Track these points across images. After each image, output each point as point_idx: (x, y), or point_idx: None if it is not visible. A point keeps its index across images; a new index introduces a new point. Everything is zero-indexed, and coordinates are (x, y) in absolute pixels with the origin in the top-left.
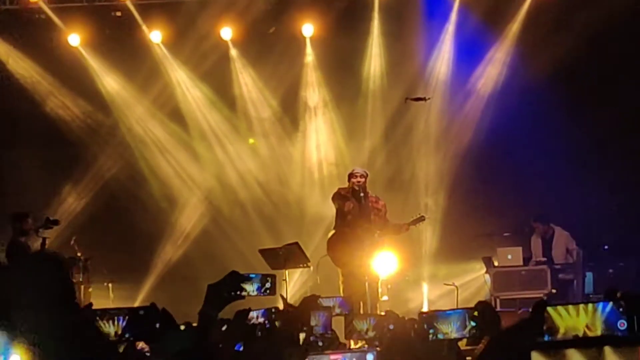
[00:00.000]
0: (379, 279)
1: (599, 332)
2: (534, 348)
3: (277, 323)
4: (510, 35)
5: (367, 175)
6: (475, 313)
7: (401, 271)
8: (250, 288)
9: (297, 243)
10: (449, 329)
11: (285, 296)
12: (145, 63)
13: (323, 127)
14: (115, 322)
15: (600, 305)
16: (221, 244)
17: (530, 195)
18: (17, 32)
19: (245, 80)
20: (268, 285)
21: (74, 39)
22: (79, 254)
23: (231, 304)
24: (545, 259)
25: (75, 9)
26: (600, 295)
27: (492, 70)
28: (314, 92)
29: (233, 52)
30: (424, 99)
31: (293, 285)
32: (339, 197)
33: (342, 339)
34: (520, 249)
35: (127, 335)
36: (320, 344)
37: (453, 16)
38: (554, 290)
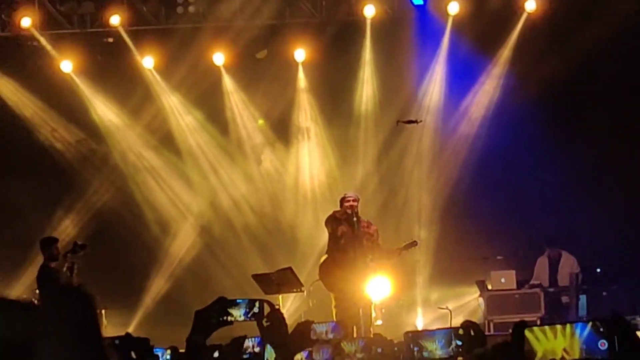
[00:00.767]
0: (372, 304)
1: (576, 356)
2: None
3: (264, 322)
4: (502, 58)
5: (359, 199)
6: (461, 332)
7: (395, 295)
8: (237, 313)
9: (290, 268)
10: (434, 347)
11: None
12: (137, 89)
13: (316, 152)
14: None
15: (579, 327)
16: (214, 270)
17: (524, 218)
18: (9, 59)
19: (238, 105)
20: (256, 310)
21: (66, 65)
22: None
23: (229, 330)
24: (539, 282)
25: (68, 35)
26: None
27: (485, 93)
28: (307, 117)
29: (225, 77)
30: (415, 122)
31: (287, 310)
32: (333, 220)
33: None
34: (513, 272)
35: None
36: None
37: (445, 40)
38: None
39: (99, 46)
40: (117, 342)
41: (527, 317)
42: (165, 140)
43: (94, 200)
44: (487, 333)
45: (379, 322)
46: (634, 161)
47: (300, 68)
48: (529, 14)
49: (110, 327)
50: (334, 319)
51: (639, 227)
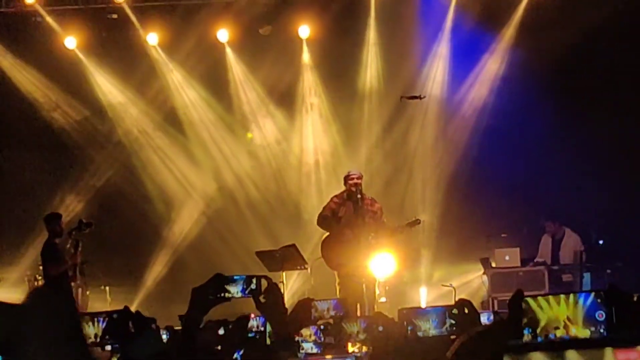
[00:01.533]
0: (376, 281)
1: (580, 324)
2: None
3: (261, 298)
4: (506, 36)
5: (362, 177)
6: (455, 311)
7: (399, 273)
8: (235, 290)
9: (294, 245)
10: (428, 326)
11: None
12: (141, 65)
13: (320, 128)
14: (96, 324)
15: (582, 296)
16: (218, 247)
17: (529, 196)
18: (13, 35)
19: (242, 81)
20: (253, 286)
21: (70, 41)
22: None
23: (233, 307)
24: (543, 260)
25: (72, 11)
26: None
27: (489, 70)
28: (311, 93)
29: (229, 54)
30: (419, 97)
31: (290, 287)
32: (332, 209)
33: None
34: (517, 249)
35: (106, 337)
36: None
37: (449, 16)
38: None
39: (103, 22)
40: (115, 316)
41: (532, 295)
42: (169, 116)
43: (97, 176)
44: (491, 310)
45: (383, 299)
46: (638, 137)
47: (305, 44)
48: None
49: (114, 304)
50: (338, 297)
51: None
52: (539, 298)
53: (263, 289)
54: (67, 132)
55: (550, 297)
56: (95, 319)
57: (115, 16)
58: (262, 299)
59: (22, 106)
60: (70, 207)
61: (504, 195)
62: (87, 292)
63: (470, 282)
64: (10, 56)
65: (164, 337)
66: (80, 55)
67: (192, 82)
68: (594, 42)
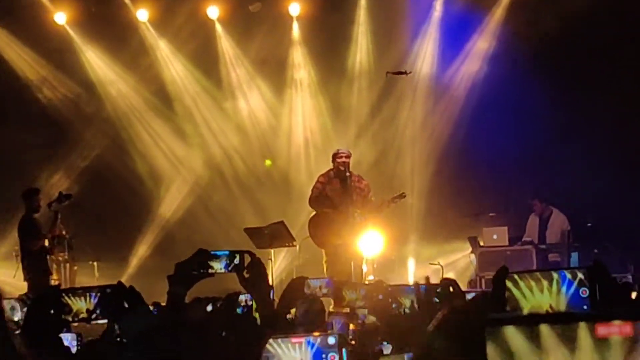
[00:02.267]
0: (364, 259)
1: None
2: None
3: (244, 274)
4: (497, 13)
5: (351, 155)
6: (439, 290)
7: (387, 251)
8: (218, 266)
9: (282, 222)
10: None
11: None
12: (131, 41)
13: (309, 106)
14: (88, 299)
15: (565, 284)
16: (207, 223)
17: (517, 175)
18: (3, 10)
19: (231, 58)
20: (236, 261)
21: (60, 17)
22: (63, 232)
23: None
24: (530, 239)
25: None
26: None
27: (479, 49)
28: (300, 71)
29: (219, 30)
30: (405, 73)
31: (279, 265)
32: (318, 189)
33: None
34: (505, 228)
35: (97, 312)
36: None
37: None
38: None
39: None
40: (108, 290)
41: None
42: (158, 93)
43: (86, 152)
44: (478, 289)
45: (371, 277)
46: (628, 116)
47: (295, 22)
48: None
49: (101, 279)
50: (325, 274)
51: (633, 184)
52: (520, 282)
53: (246, 264)
54: (56, 107)
55: (532, 283)
56: (88, 294)
57: None
58: (245, 275)
59: (11, 81)
60: (59, 183)
61: (493, 174)
62: (75, 267)
63: (458, 260)
64: (0, 31)
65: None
66: (70, 31)
67: (181, 58)
68: (584, 18)
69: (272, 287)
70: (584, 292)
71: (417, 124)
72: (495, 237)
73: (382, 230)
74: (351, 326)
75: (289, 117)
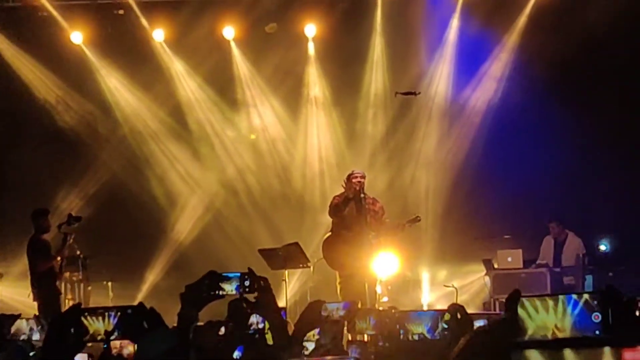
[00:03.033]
0: (377, 280)
1: (567, 332)
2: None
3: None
4: (512, 36)
5: (365, 176)
6: (447, 316)
7: (401, 272)
8: (229, 287)
9: (296, 243)
10: (420, 330)
11: (285, 296)
12: (147, 61)
13: (324, 127)
14: (106, 319)
15: (571, 303)
16: (221, 243)
17: (532, 197)
18: (20, 29)
19: (247, 79)
20: (247, 283)
21: (77, 36)
22: (78, 252)
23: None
24: (545, 261)
25: (78, 6)
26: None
27: (494, 71)
28: (316, 92)
29: (235, 51)
30: (414, 94)
31: (292, 286)
32: (336, 207)
33: None
34: (520, 251)
35: (116, 333)
36: None
37: (455, 17)
38: None
39: (109, 18)
40: (129, 311)
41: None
42: (173, 112)
43: (101, 172)
44: (492, 312)
45: (385, 299)
46: None
47: (311, 43)
48: None
49: (116, 300)
50: (339, 296)
51: None
52: (526, 303)
53: (256, 287)
54: (71, 127)
55: (538, 302)
56: (106, 314)
57: (121, 12)
58: (253, 297)
59: (27, 101)
60: (75, 203)
61: (508, 196)
62: (89, 287)
63: (473, 283)
64: (16, 51)
65: None
66: (86, 51)
67: (197, 78)
68: (598, 43)
69: (283, 308)
70: (597, 317)
71: (432, 146)
72: (509, 259)
73: (396, 252)
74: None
75: (304, 138)
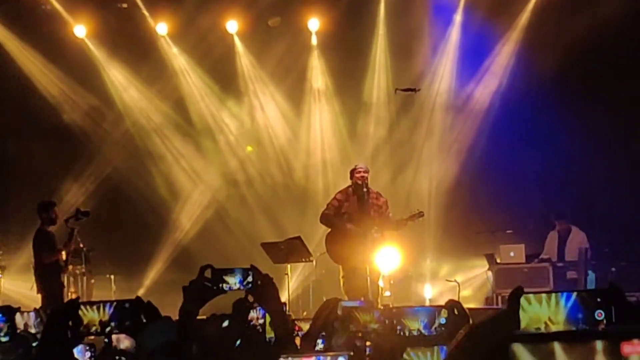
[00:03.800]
0: (380, 275)
1: (561, 325)
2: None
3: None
4: (516, 33)
5: (369, 171)
6: (444, 312)
7: (404, 267)
8: (233, 281)
9: (299, 237)
10: (417, 326)
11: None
12: (150, 55)
13: (327, 121)
14: (102, 310)
15: (564, 297)
16: (224, 237)
17: (535, 192)
18: (22, 23)
19: (250, 72)
20: (250, 279)
21: (80, 30)
22: (81, 245)
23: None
24: (548, 256)
25: (81, 0)
26: None
27: (498, 66)
28: (319, 86)
29: (238, 45)
30: (413, 90)
31: (295, 279)
32: (335, 207)
33: None
34: (522, 246)
35: (112, 324)
36: None
37: (459, 12)
38: None
39: (113, 11)
40: (127, 305)
41: (536, 291)
42: (176, 106)
43: (104, 164)
44: (495, 306)
45: (387, 293)
46: None
47: (314, 37)
48: None
49: (118, 293)
50: (342, 290)
51: None
52: (530, 296)
53: (259, 282)
54: (74, 120)
55: (531, 296)
56: (101, 305)
57: (125, 5)
58: (256, 293)
59: (30, 94)
60: (77, 196)
61: (510, 191)
62: (92, 280)
63: (475, 277)
64: (19, 44)
65: None
66: (89, 44)
67: (200, 72)
68: (601, 38)
69: (284, 303)
70: (600, 315)
71: (435, 140)
72: (512, 254)
73: (399, 247)
74: (368, 342)
75: (307, 131)
